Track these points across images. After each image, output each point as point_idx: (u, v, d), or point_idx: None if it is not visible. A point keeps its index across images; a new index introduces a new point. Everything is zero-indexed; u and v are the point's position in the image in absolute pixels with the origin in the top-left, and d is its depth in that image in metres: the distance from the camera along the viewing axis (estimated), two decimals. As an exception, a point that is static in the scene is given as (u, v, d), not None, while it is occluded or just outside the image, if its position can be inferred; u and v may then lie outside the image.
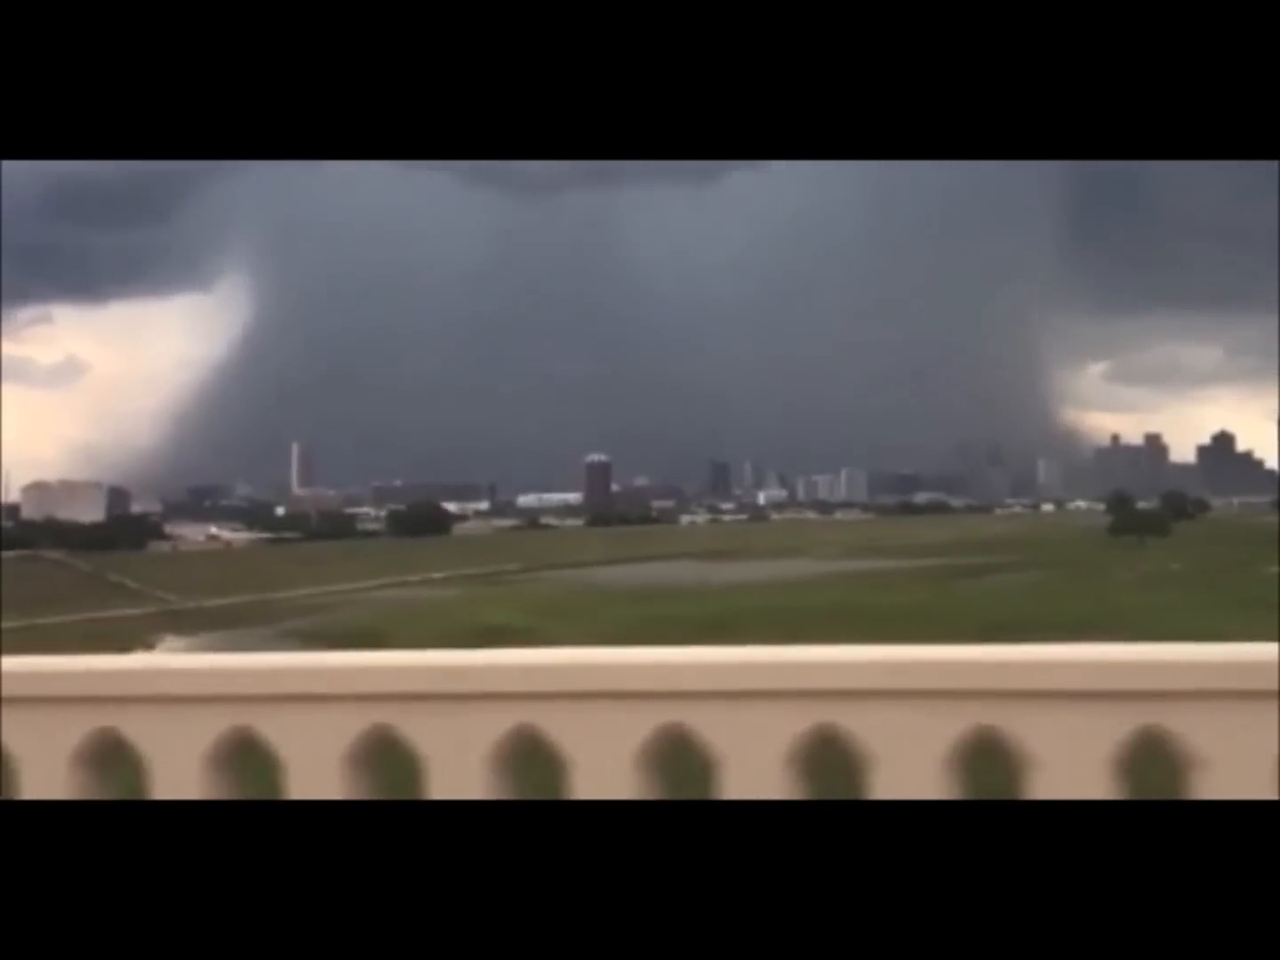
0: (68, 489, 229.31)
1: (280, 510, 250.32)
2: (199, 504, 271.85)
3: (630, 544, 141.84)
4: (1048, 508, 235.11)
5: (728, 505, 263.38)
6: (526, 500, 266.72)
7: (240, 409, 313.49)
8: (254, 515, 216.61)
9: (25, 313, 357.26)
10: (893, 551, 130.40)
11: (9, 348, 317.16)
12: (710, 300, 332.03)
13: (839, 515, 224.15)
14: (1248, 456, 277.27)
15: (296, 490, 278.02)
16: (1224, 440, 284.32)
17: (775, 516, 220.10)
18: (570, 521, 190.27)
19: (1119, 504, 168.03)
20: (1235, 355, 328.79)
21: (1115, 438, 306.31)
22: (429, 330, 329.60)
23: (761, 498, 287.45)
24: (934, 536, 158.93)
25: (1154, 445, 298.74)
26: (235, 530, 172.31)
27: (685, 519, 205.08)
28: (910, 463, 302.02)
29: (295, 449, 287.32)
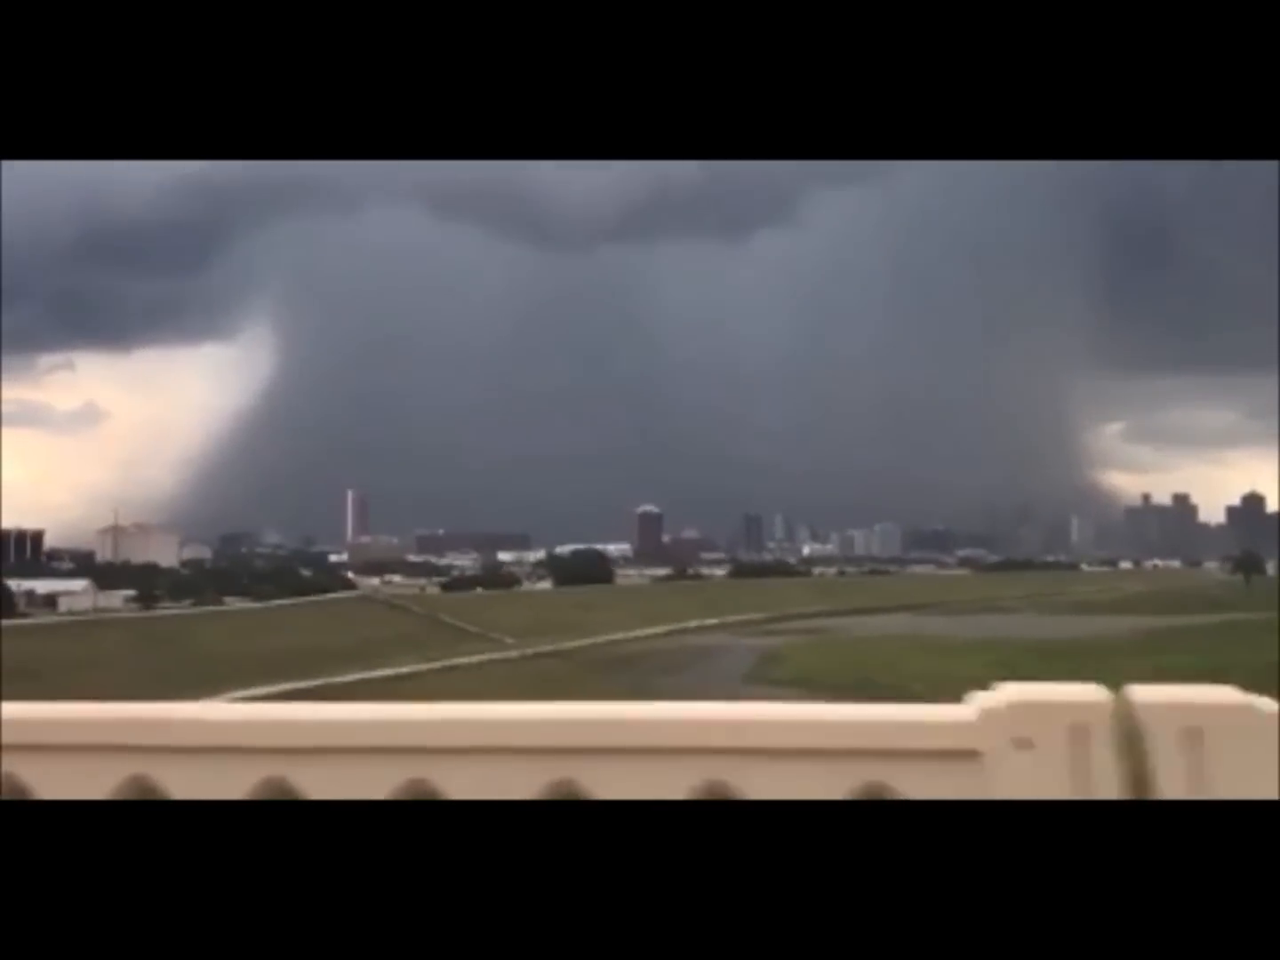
0: (143, 533, 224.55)
1: (335, 558, 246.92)
2: (235, 551, 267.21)
3: (826, 596, 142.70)
4: (1137, 564, 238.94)
5: (766, 557, 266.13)
6: (564, 551, 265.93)
7: (265, 457, 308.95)
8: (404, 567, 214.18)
9: (48, 359, 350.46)
10: (1090, 608, 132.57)
11: (29, 393, 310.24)
12: (740, 354, 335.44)
13: (915, 569, 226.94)
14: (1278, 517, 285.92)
15: (353, 538, 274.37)
16: (1254, 501, 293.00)
17: (846, 570, 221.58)
18: (717, 572, 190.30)
19: (1246, 563, 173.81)
20: (1251, 418, 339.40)
21: (1146, 497, 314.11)
22: (457, 382, 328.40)
23: (806, 550, 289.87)
24: (1081, 593, 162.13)
25: (1182, 505, 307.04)
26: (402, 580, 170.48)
27: (817, 570, 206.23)
28: (939, 518, 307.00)
29: (350, 497, 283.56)
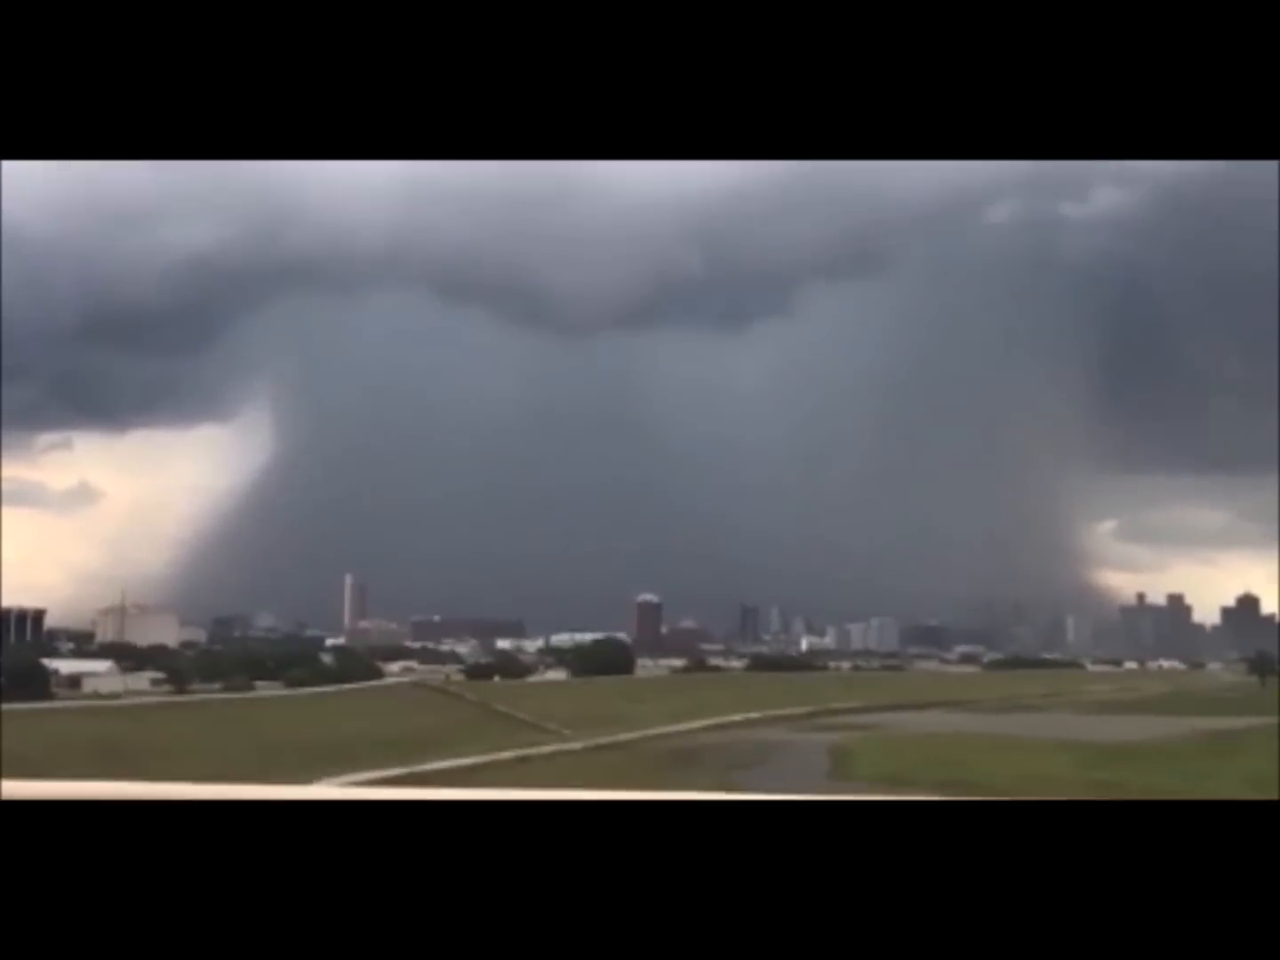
0: (143, 613, 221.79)
1: (332, 642, 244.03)
2: (227, 634, 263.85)
3: (852, 691, 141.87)
4: (1138, 665, 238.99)
5: (762, 650, 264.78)
6: (560, 639, 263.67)
7: (257, 540, 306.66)
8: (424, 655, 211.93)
9: (46, 438, 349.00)
10: (1120, 708, 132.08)
11: (25, 472, 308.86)
12: (736, 444, 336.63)
13: (921, 665, 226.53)
14: (1272, 619, 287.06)
15: (353, 623, 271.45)
16: (1249, 602, 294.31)
17: (841, 665, 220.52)
18: (733, 664, 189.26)
19: (1261, 665, 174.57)
20: (1243, 519, 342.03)
21: (1141, 596, 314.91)
22: (454, 468, 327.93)
23: (804, 644, 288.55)
24: (1100, 692, 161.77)
25: (1177, 605, 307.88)
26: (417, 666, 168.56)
27: (832, 665, 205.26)
28: (933, 613, 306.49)
29: (349, 581, 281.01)
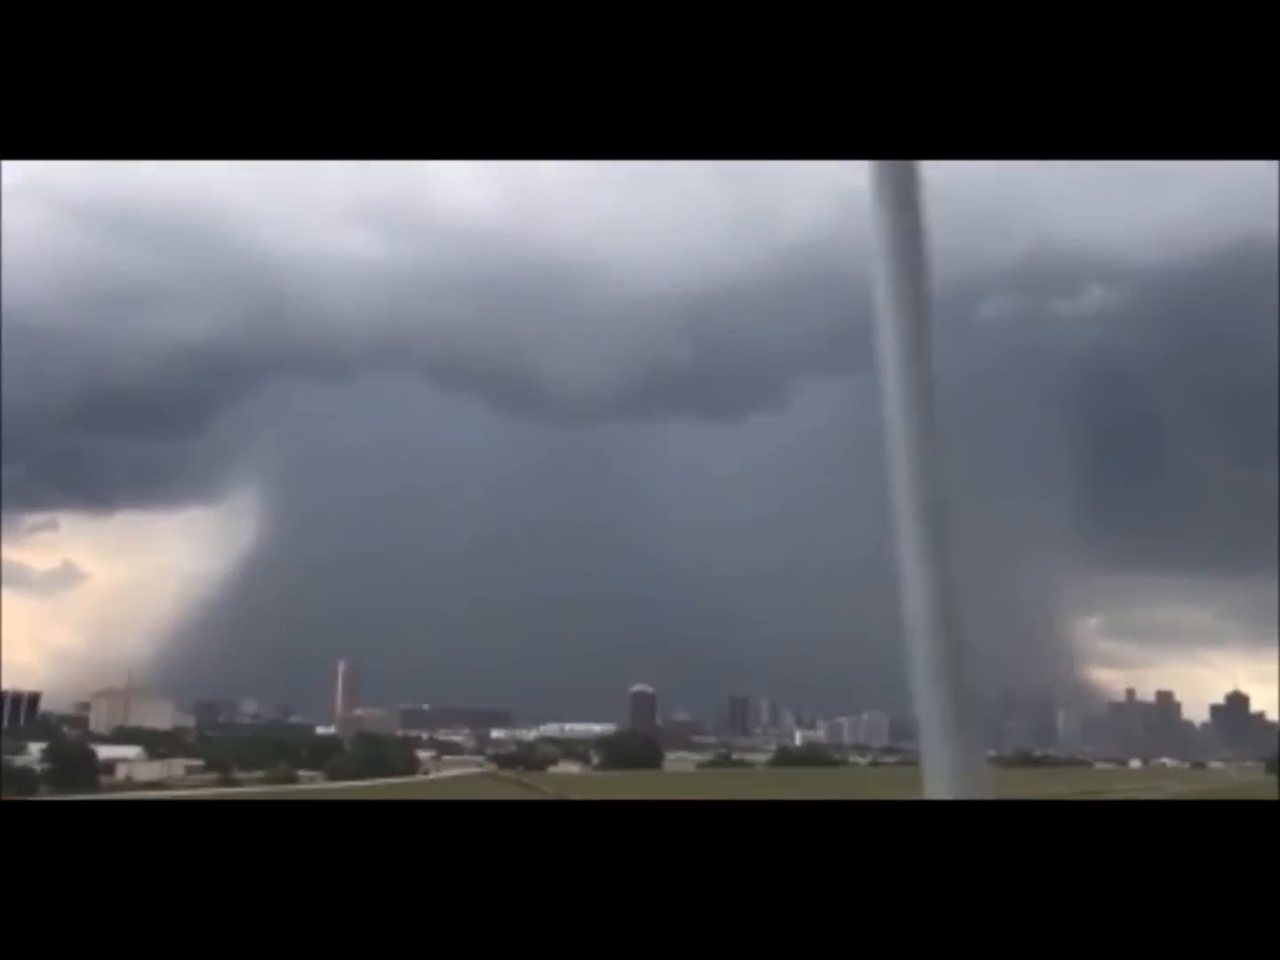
0: (139, 697, 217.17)
1: (322, 730, 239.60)
2: (213, 719, 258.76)
3: (888, 787, 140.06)
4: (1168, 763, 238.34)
5: (749, 741, 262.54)
6: (549, 730, 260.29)
7: (241, 623, 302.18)
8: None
9: (32, 518, 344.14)
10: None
11: (10, 553, 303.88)
12: (726, 534, 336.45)
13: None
14: (1261, 717, 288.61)
15: (344, 710, 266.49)
16: (1237, 699, 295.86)
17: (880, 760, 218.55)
18: (759, 757, 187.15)
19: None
20: (1226, 617, 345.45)
21: (1130, 692, 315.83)
22: (444, 555, 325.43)
23: (798, 737, 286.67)
24: (1124, 791, 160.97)
25: (1166, 701, 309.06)
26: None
27: (854, 760, 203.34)
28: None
29: (341, 668, 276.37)
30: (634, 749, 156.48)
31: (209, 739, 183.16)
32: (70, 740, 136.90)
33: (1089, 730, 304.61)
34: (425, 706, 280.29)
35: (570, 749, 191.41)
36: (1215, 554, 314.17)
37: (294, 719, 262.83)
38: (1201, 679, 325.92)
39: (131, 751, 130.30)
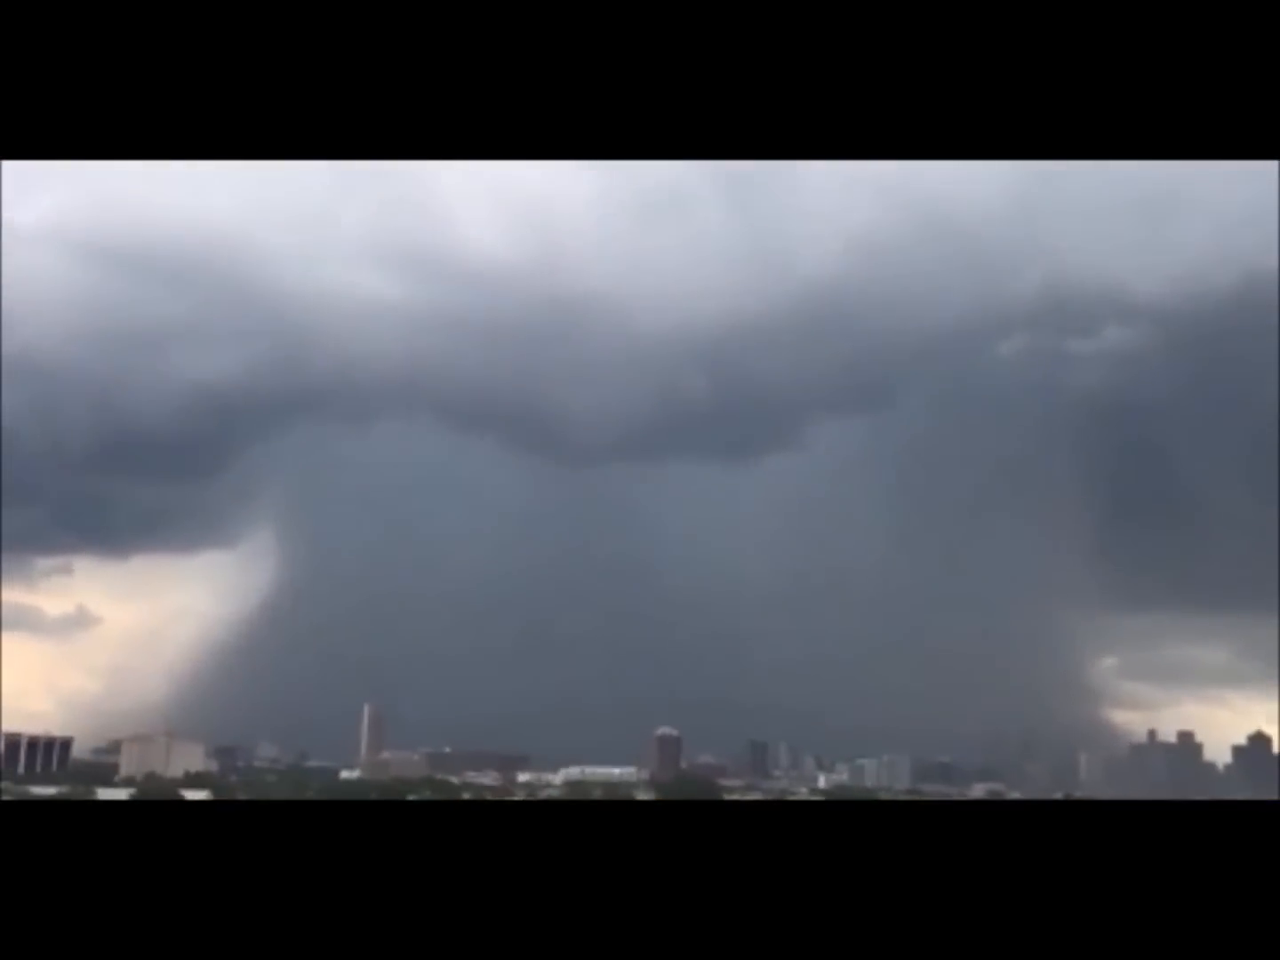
0: (169, 742, 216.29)
1: (347, 774, 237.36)
2: (232, 763, 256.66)
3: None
4: None
5: (772, 785, 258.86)
6: (572, 773, 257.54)
7: (257, 667, 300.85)
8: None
9: (46, 562, 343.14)
10: None
11: (23, 596, 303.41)
12: (744, 576, 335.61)
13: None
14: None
15: (370, 754, 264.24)
16: (1260, 741, 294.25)
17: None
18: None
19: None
20: (1244, 657, 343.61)
21: (1152, 733, 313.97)
22: (463, 597, 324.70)
23: (822, 781, 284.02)
24: None
25: (1187, 742, 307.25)
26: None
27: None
28: (942, 749, 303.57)
29: (366, 710, 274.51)
30: (693, 793, 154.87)
31: (234, 784, 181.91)
32: (152, 785, 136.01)
33: (1110, 772, 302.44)
34: (447, 749, 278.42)
35: (612, 791, 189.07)
36: (1232, 592, 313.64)
37: (313, 762, 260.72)
38: (1222, 719, 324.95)
39: (202, 795, 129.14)
